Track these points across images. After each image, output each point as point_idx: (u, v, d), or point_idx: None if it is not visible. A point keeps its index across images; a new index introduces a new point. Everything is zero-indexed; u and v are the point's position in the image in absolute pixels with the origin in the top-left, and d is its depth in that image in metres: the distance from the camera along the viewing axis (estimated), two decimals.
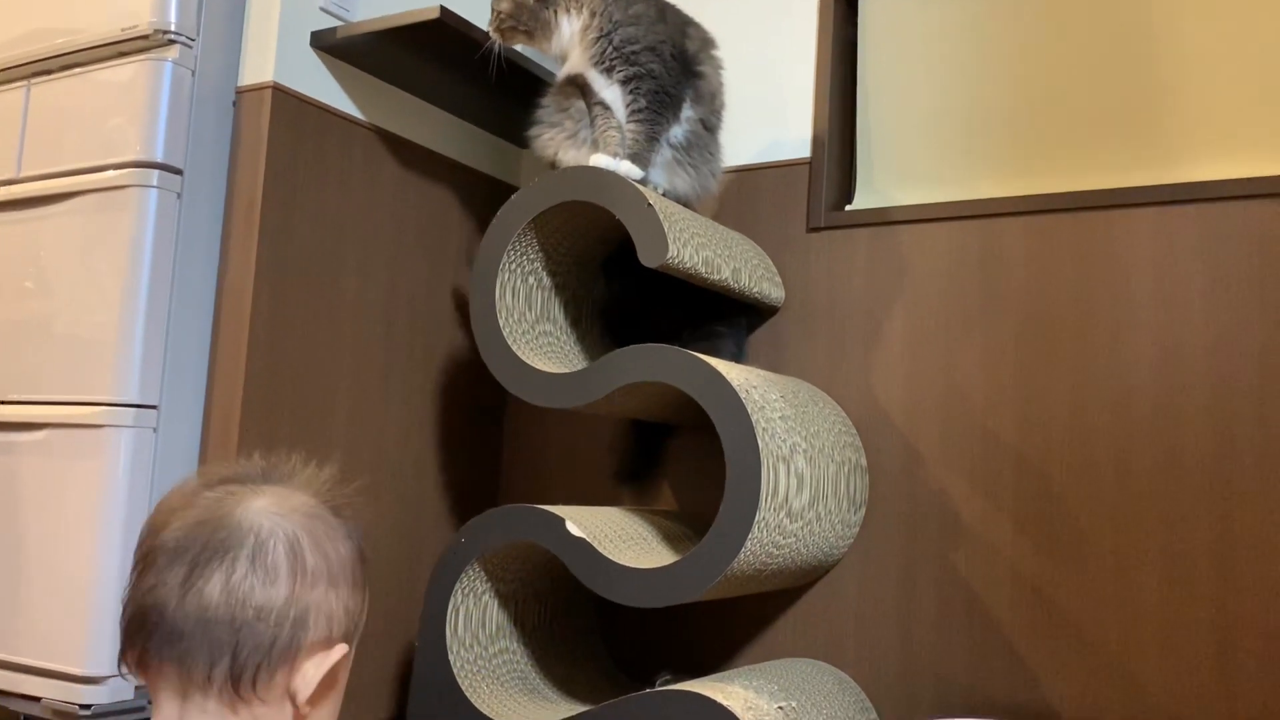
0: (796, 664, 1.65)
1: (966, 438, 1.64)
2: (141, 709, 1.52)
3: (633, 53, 1.55)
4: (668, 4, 1.65)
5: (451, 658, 1.57)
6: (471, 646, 1.62)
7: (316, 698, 0.83)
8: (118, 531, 1.50)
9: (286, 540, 0.82)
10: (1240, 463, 1.47)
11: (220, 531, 0.80)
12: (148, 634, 0.79)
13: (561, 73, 1.60)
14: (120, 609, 0.82)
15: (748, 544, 1.37)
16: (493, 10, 1.61)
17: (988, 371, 1.64)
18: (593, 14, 1.56)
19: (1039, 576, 1.56)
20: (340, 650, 0.84)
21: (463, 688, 1.56)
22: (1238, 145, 1.59)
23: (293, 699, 0.82)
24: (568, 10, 1.57)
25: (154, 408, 1.55)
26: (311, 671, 0.82)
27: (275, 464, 0.88)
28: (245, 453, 1.57)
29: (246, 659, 0.79)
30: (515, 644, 1.70)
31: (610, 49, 1.55)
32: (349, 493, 0.89)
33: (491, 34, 1.62)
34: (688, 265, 1.52)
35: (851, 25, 1.89)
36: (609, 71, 1.57)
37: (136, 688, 1.52)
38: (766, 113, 1.87)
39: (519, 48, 1.68)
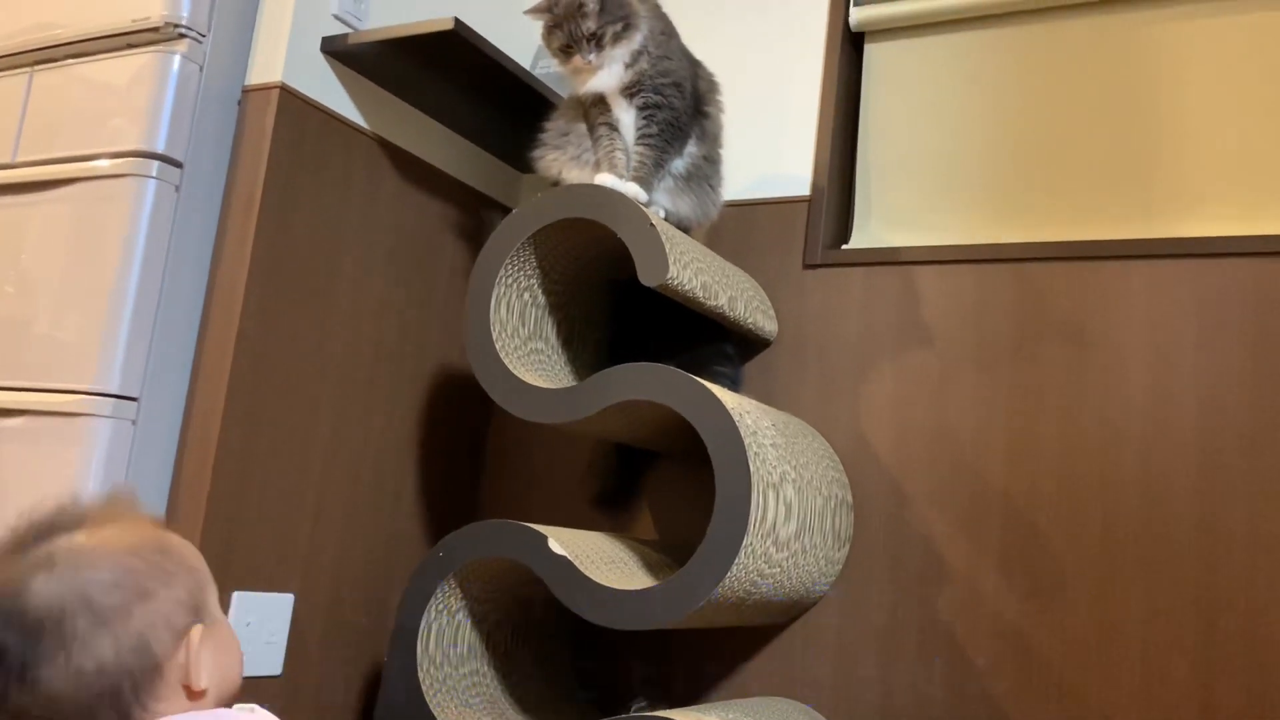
0: (773, 703, 1.62)
1: (954, 480, 1.64)
2: None
3: (663, 84, 1.57)
4: (683, 44, 1.68)
5: (421, 674, 1.53)
6: (442, 665, 1.58)
7: (201, 672, 0.90)
8: None
9: (81, 602, 0.86)
10: (1227, 514, 1.47)
11: (23, 629, 0.85)
12: None
13: (583, 89, 1.59)
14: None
15: (733, 569, 1.35)
16: (578, 22, 1.53)
17: (977, 415, 1.64)
18: (650, 33, 1.57)
19: (1021, 621, 1.55)
20: (196, 632, 0.91)
21: (431, 707, 1.52)
22: (1233, 202, 1.62)
23: (186, 688, 0.89)
24: (639, 19, 1.56)
25: (134, 400, 1.52)
26: (184, 658, 0.90)
27: (53, 515, 0.91)
28: (224, 452, 1.54)
29: (120, 701, 0.86)
30: (486, 666, 1.66)
31: (646, 77, 1.56)
32: (126, 503, 0.95)
33: (589, 56, 1.53)
34: (686, 288, 1.51)
35: (856, 68, 1.92)
36: (632, 96, 1.57)
37: None
38: (768, 148, 1.89)
39: (545, 67, 1.67)
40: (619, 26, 1.53)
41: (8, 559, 0.88)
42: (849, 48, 1.90)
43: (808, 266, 1.81)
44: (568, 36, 1.53)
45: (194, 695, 0.90)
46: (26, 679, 0.84)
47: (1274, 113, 1.62)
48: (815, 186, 1.83)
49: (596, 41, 1.53)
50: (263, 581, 1.60)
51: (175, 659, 0.89)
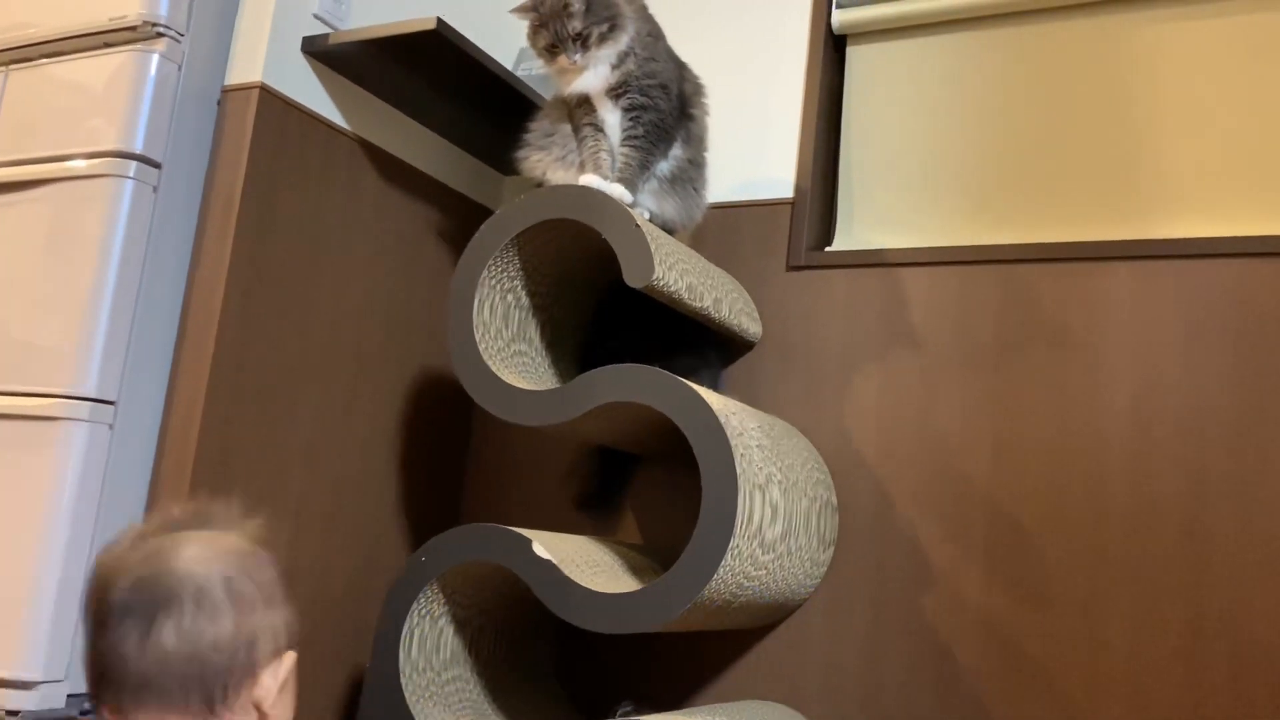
0: (759, 707, 1.61)
1: (939, 482, 1.64)
2: (72, 719, 1.44)
3: (648, 85, 1.56)
4: (669, 46, 1.67)
5: (404, 681, 1.51)
6: (425, 671, 1.56)
7: (275, 701, 0.96)
8: (63, 530, 1.44)
9: (221, 579, 0.94)
10: (1212, 514, 1.47)
11: (162, 585, 0.91)
12: (118, 688, 0.90)
13: (568, 89, 1.58)
14: (85, 667, 0.92)
15: (720, 571, 1.34)
16: (564, 22, 1.51)
17: (962, 417, 1.64)
18: (636, 34, 1.56)
19: (1008, 623, 1.55)
20: (290, 658, 0.98)
21: (414, 713, 1.50)
22: (1215, 205, 1.63)
23: (257, 706, 0.94)
24: (626, 20, 1.55)
25: (111, 403, 1.50)
26: (269, 681, 0.95)
27: (197, 511, 0.99)
28: (202, 456, 1.52)
29: (213, 685, 0.91)
30: (468, 672, 1.65)
31: (632, 78, 1.55)
32: (258, 525, 1.02)
33: (574, 56, 1.52)
34: (672, 289, 1.51)
35: (839, 72, 1.92)
36: (618, 98, 1.56)
37: (69, 696, 1.44)
38: (751, 152, 1.89)
39: (528, 69, 1.66)
40: (605, 27, 1.52)
41: (154, 537, 0.95)
42: (831, 50, 1.91)
43: (791, 269, 1.80)
44: (553, 36, 1.52)
45: (261, 718, 0.95)
46: (150, 635, 0.89)
47: (1254, 115, 1.63)
48: (798, 189, 1.83)
49: (582, 42, 1.51)
50: None
51: (263, 674, 0.95)
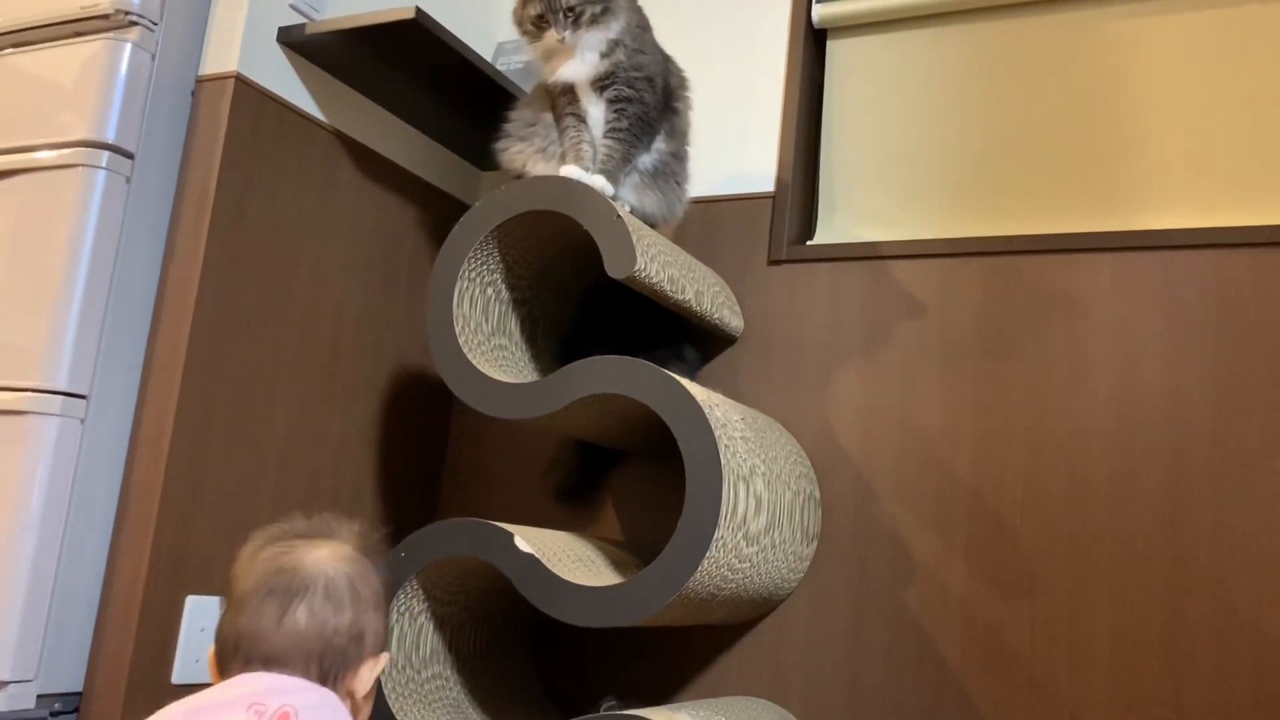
0: (743, 702, 1.60)
1: (921, 476, 1.63)
2: (42, 718, 1.41)
3: (635, 78, 1.54)
4: (655, 39, 1.66)
5: (383, 679, 1.49)
6: (404, 669, 1.54)
7: (367, 694, 1.10)
8: (33, 526, 1.41)
9: (346, 579, 1.08)
10: (1194, 507, 1.48)
11: (298, 576, 1.06)
12: (247, 656, 1.03)
13: (554, 76, 1.56)
14: (217, 643, 1.05)
15: (704, 563, 1.33)
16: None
17: (944, 410, 1.64)
18: (627, 25, 1.54)
19: (991, 617, 1.55)
20: (385, 658, 1.12)
21: (394, 712, 1.48)
22: (1195, 196, 1.64)
23: (351, 694, 1.07)
24: (619, 9, 1.53)
25: (83, 397, 1.47)
26: (367, 674, 1.08)
27: (321, 523, 1.15)
28: (176, 451, 1.49)
29: (329, 666, 1.05)
30: (450, 669, 1.63)
31: (620, 69, 1.53)
32: (375, 541, 1.16)
33: (564, 32, 1.49)
34: (654, 280, 1.49)
35: (819, 66, 1.92)
36: (603, 89, 1.55)
37: (39, 696, 1.41)
38: (732, 145, 1.88)
39: (507, 63, 1.64)
40: (598, 9, 1.49)
41: (287, 539, 1.10)
42: (812, 44, 1.90)
43: (773, 262, 1.80)
44: (545, 6, 1.49)
45: (354, 709, 1.07)
46: (287, 613, 1.03)
47: (1232, 106, 1.64)
48: (779, 182, 1.82)
49: (574, 17, 1.48)
50: (217, 586, 1.54)
51: (362, 669, 1.08)
